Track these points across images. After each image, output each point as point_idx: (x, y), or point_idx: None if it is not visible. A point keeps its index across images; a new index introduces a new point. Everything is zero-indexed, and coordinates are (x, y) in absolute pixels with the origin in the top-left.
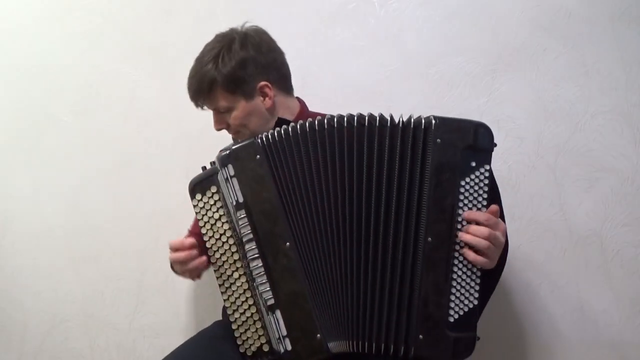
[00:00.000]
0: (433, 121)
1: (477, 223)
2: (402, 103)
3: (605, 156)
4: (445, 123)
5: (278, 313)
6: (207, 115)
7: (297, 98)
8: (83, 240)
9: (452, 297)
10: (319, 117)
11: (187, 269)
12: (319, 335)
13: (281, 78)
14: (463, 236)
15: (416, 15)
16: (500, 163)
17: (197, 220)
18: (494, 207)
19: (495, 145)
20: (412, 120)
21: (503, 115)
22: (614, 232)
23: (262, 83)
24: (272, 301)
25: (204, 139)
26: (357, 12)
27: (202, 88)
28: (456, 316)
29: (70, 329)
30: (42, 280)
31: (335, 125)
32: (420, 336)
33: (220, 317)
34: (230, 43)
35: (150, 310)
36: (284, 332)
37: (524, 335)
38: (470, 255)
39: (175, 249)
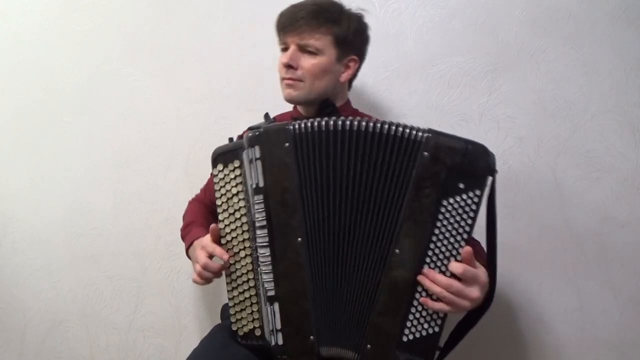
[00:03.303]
0: (425, 135)
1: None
2: (402, 103)
3: (605, 156)
4: (437, 138)
5: (276, 306)
6: (206, 115)
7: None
8: (83, 240)
9: (410, 317)
10: (342, 117)
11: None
12: (312, 337)
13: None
14: (420, 278)
15: (416, 15)
16: (500, 163)
17: (212, 185)
18: (467, 249)
19: (496, 171)
20: (406, 131)
21: (503, 115)
22: (614, 232)
23: (354, 57)
24: (272, 292)
25: (204, 139)
26: None
27: (327, 10)
28: (411, 337)
29: (70, 329)
30: (42, 280)
31: (346, 129)
32: (369, 346)
33: (219, 319)
34: (350, 10)
35: (150, 310)
36: (278, 326)
37: (524, 335)
38: (429, 302)
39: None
